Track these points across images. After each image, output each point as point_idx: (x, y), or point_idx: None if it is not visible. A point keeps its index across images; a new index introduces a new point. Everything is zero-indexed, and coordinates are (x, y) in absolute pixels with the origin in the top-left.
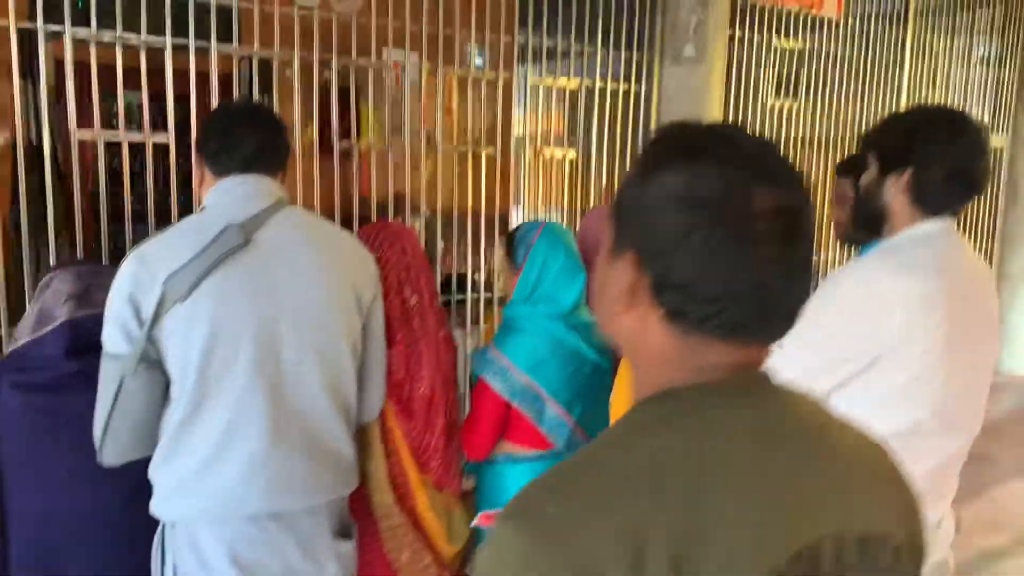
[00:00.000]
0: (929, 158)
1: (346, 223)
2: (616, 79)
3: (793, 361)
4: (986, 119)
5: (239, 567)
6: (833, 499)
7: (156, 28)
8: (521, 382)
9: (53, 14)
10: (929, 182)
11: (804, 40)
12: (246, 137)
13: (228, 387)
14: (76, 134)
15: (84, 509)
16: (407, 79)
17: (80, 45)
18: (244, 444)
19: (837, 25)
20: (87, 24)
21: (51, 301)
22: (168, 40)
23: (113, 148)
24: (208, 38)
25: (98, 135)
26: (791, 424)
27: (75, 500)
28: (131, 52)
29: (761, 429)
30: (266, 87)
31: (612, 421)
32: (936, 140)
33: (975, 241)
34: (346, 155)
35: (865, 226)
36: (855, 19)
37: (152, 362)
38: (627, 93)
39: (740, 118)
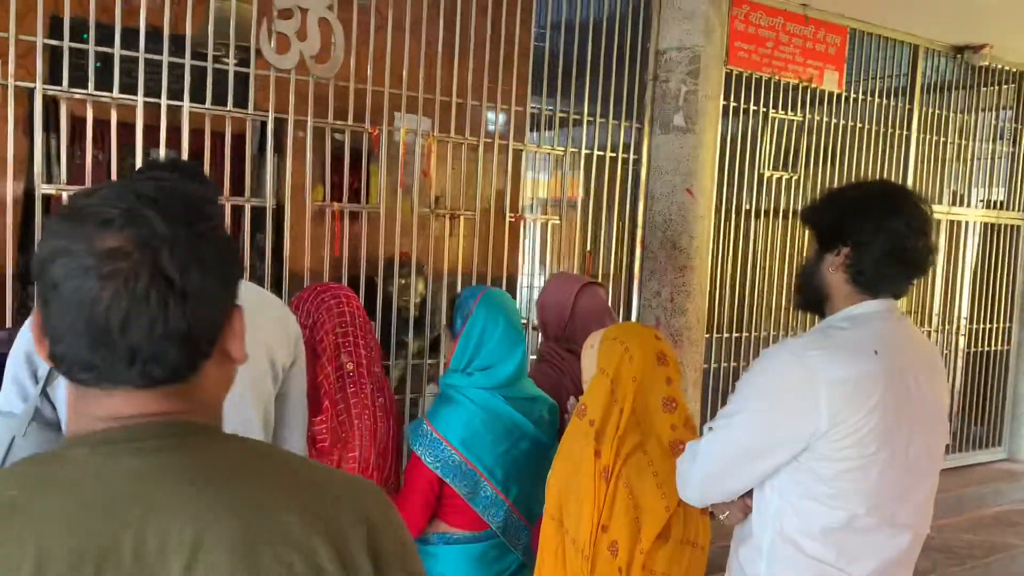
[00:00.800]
0: (863, 237)
1: (353, 282)
2: (614, 148)
3: (724, 442)
4: (1001, 196)
5: None
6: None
7: (175, 93)
8: (455, 457)
9: (77, 75)
10: (865, 262)
11: (804, 112)
12: None
13: None
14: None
15: None
16: (417, 144)
17: (100, 105)
18: None
19: (839, 98)
20: (110, 86)
21: None
22: (186, 104)
23: None
24: (224, 103)
25: None
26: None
27: None
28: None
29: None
30: (278, 147)
31: (547, 501)
32: (869, 218)
33: (991, 320)
34: (355, 217)
35: (807, 305)
36: (858, 93)
37: (47, 422)
38: (621, 161)
39: (736, 188)
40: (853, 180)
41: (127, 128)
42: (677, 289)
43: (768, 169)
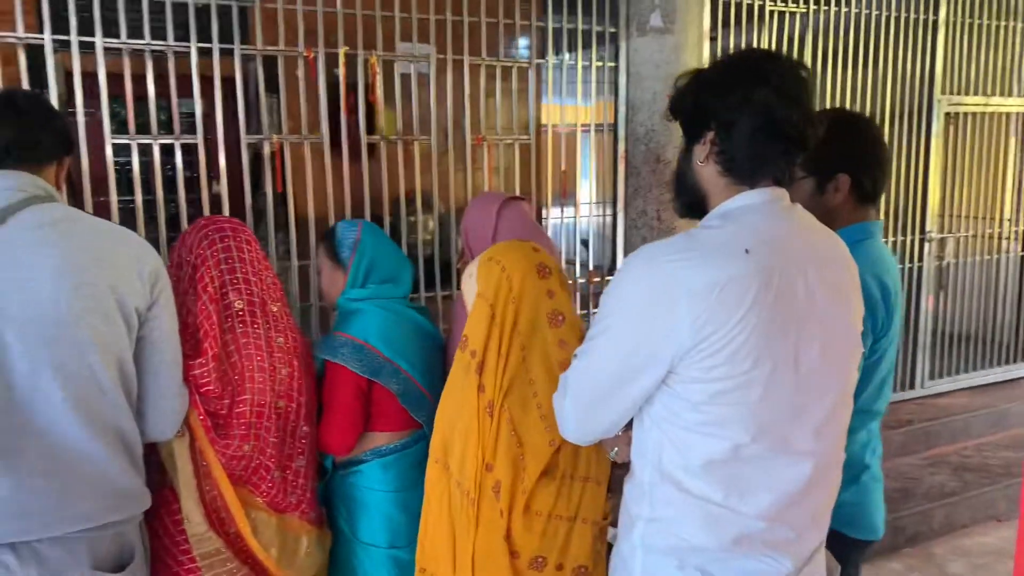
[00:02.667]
0: (726, 115)
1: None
2: (586, 55)
3: (588, 369)
4: None
5: None
6: None
7: (158, 33)
8: (378, 358)
9: (59, 26)
10: (733, 144)
11: (808, 3)
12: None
13: None
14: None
15: None
16: (421, 72)
17: (86, 55)
18: None
19: None
20: (92, 34)
21: None
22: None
23: (123, 153)
24: (210, 40)
25: (107, 140)
26: None
27: None
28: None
29: None
30: (272, 86)
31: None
32: (731, 91)
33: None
34: (358, 153)
35: (687, 209)
36: None
37: None
38: (595, 68)
39: None
40: (871, 79)
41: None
42: (664, 206)
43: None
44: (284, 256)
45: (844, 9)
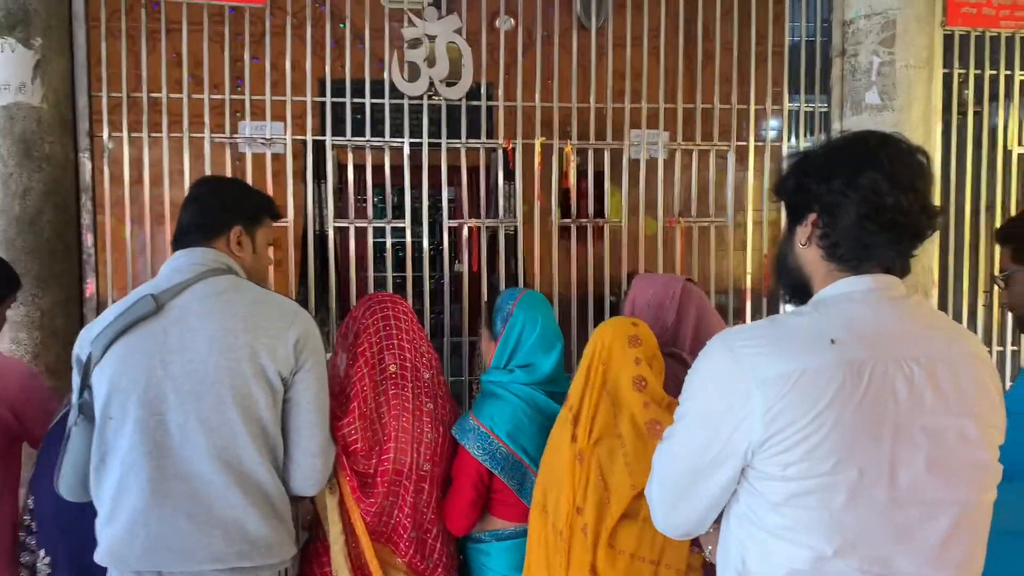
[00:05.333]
0: (831, 197)
1: (584, 300)
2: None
3: (668, 457)
4: None
5: None
6: None
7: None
8: (502, 450)
9: (337, 127)
10: (836, 229)
11: None
12: (184, 214)
13: (120, 444)
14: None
15: None
16: (650, 155)
17: (357, 151)
18: (128, 500)
19: None
20: (363, 134)
21: None
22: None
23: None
24: (459, 136)
25: (368, 224)
26: None
27: None
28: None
29: None
30: (509, 176)
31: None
32: (837, 173)
33: None
34: (592, 234)
35: (791, 293)
36: None
37: (90, 416)
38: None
39: (975, 169)
40: None
41: (380, 170)
42: None
43: (1018, 144)
44: None
45: None
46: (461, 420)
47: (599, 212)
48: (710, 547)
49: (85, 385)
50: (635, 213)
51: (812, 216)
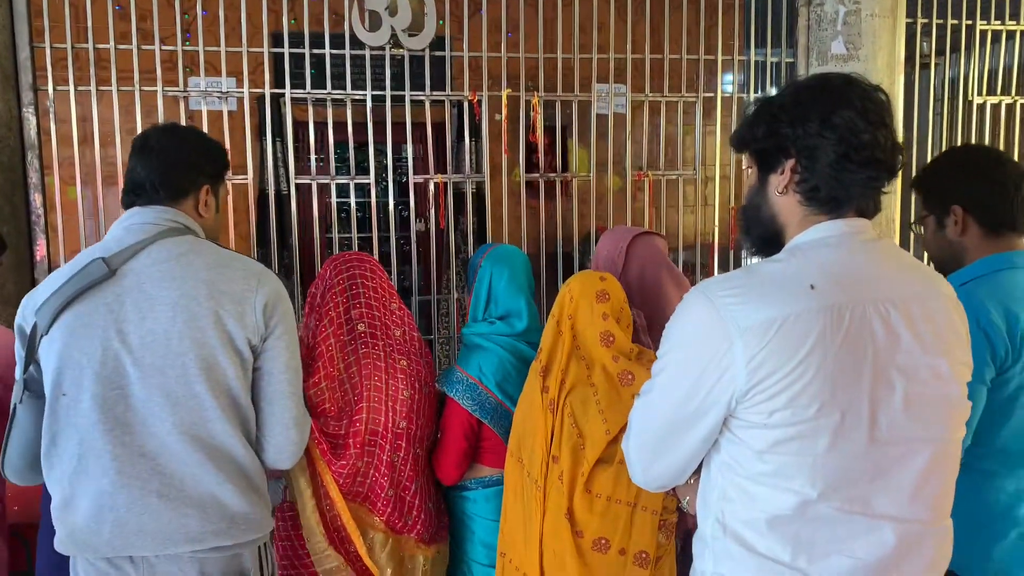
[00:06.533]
0: (808, 140)
1: (552, 259)
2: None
3: (647, 411)
4: None
5: None
6: None
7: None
8: (491, 400)
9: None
10: (816, 171)
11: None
12: (138, 167)
13: (75, 423)
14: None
15: None
16: (618, 109)
17: (317, 106)
18: (92, 483)
19: None
20: (323, 87)
21: None
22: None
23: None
24: (421, 89)
25: (331, 180)
26: None
27: None
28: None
29: None
30: (474, 131)
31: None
32: (811, 115)
33: None
34: (552, 192)
35: (760, 246)
36: None
37: (36, 392)
38: None
39: (934, 118)
40: None
41: (340, 126)
42: None
43: (977, 95)
44: None
45: None
46: (447, 373)
47: (565, 167)
48: (688, 497)
49: (31, 359)
50: (602, 168)
51: (790, 162)
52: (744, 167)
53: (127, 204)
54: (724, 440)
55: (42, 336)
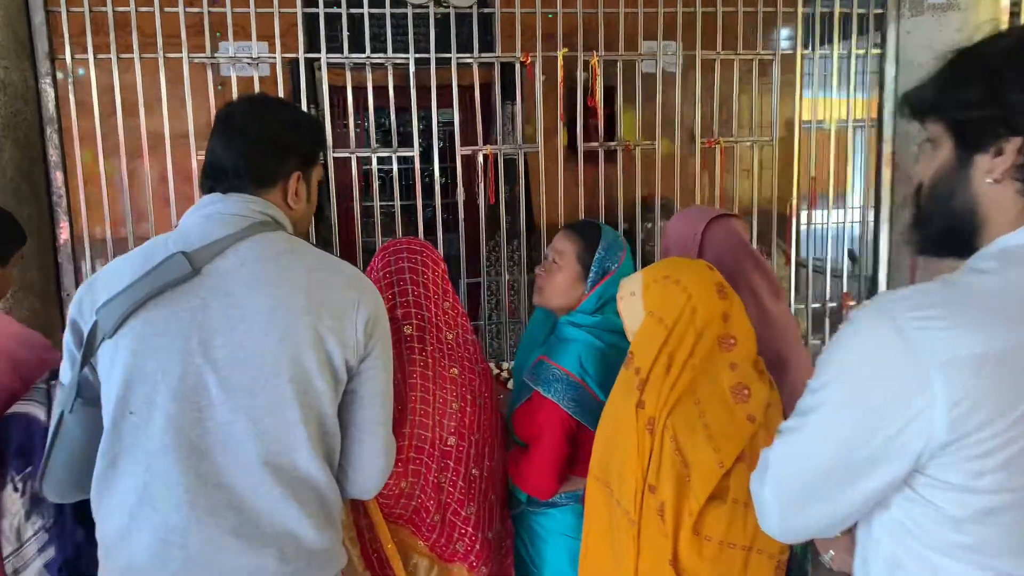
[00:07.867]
0: None
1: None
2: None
3: (796, 455)
4: None
5: None
6: None
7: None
8: (593, 400)
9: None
10: None
11: None
12: (219, 148)
13: (144, 446)
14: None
15: None
16: (667, 72)
17: (355, 70)
18: (159, 516)
19: None
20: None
21: None
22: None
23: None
24: (465, 50)
25: (372, 153)
26: None
27: None
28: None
29: None
30: (510, 94)
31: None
32: None
33: None
34: (606, 157)
35: (941, 243)
36: None
37: (90, 399)
38: (853, 57)
39: None
40: None
41: (381, 91)
42: None
43: None
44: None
45: None
46: (540, 369)
47: (610, 135)
48: (831, 552)
49: (87, 363)
50: (668, 134)
51: (1017, 141)
52: (920, 141)
53: (206, 189)
54: (900, 498)
55: (104, 338)
